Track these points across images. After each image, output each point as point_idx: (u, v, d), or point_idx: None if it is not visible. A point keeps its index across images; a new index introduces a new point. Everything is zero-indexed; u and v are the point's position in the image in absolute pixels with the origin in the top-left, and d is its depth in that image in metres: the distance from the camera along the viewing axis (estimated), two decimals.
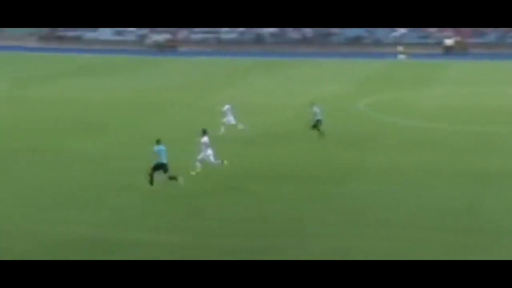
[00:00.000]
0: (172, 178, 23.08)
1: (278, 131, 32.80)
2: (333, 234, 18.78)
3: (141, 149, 29.34)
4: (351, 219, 19.97)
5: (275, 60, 69.37)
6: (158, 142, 23.43)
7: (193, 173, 24.34)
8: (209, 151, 24.45)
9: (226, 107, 31.93)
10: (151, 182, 22.91)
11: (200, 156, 24.48)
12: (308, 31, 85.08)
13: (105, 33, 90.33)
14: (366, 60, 69.14)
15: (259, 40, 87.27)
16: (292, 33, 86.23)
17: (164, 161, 23.08)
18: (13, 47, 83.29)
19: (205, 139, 24.46)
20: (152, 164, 22.97)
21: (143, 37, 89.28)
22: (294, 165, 26.48)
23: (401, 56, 70.98)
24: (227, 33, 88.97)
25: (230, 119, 31.29)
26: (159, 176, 22.99)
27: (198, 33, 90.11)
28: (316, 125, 30.66)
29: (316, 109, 30.89)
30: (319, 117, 30.71)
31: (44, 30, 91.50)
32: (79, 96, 44.43)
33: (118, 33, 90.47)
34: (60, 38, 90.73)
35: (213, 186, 23.55)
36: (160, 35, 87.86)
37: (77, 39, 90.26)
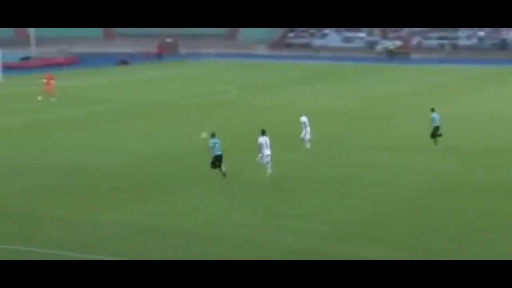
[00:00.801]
0: (219, 168, 24.88)
1: None
2: None
3: (367, 159, 29.13)
4: None
5: None
6: (213, 135, 25.37)
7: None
8: (267, 152, 25.34)
9: (303, 119, 30.18)
10: (224, 175, 24.76)
11: (258, 157, 25.42)
12: None
13: (334, 40, 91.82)
14: None
15: (503, 46, 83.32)
16: None
17: (219, 152, 24.95)
18: (244, 54, 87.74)
19: (261, 139, 25.42)
20: (211, 159, 24.80)
21: (372, 43, 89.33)
22: None
23: None
24: (464, 39, 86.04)
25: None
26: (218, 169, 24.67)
27: (431, 39, 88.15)
28: (434, 133, 30.31)
29: (435, 115, 30.50)
30: (436, 124, 30.32)
31: (274, 38, 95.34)
32: (306, 104, 45.45)
33: (347, 40, 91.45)
34: (289, 46, 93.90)
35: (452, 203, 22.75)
36: (391, 42, 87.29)
37: (306, 46, 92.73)
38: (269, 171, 25.49)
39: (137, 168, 27.29)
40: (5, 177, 26.03)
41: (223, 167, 25.02)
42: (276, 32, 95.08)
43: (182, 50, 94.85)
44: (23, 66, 71.39)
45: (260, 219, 20.86)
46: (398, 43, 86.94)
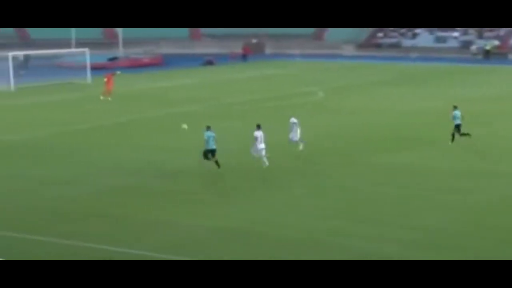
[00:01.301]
0: (217, 163, 26.57)
1: None
2: None
3: (461, 165, 28.62)
4: None
5: None
6: (208, 128, 27.22)
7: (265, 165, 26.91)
8: (262, 146, 27.41)
9: (292, 120, 30.52)
10: (218, 165, 26.57)
11: (251, 150, 27.60)
12: None
13: (425, 40, 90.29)
14: None
15: None
16: None
17: (213, 147, 26.64)
18: (331, 55, 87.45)
19: (256, 133, 27.43)
20: (203, 150, 26.57)
21: (467, 43, 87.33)
22: None
23: None
24: None
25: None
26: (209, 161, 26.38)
27: None
28: (457, 131, 31.31)
29: (456, 113, 31.46)
30: (458, 122, 31.26)
31: (362, 38, 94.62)
32: (393, 106, 44.99)
33: (440, 40, 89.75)
34: (378, 46, 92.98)
35: None
36: (487, 42, 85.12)
37: (395, 46, 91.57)
38: (266, 163, 27.22)
39: (224, 169, 27.63)
40: (93, 177, 26.93)
41: (216, 158, 26.77)
42: (364, 32, 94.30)
43: (268, 51, 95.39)
44: (110, 66, 73.59)
45: (343, 223, 20.87)
46: (496, 42, 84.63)
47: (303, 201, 23.40)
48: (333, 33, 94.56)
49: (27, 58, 69.15)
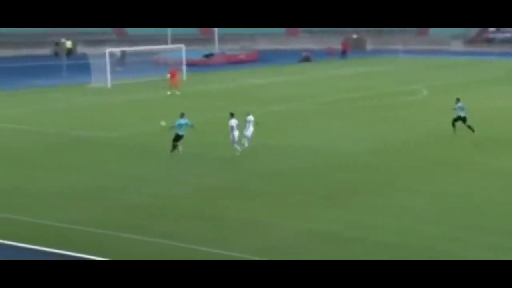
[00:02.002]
0: (175, 147, 29.97)
1: None
2: None
3: None
4: None
5: None
6: (182, 115, 30.29)
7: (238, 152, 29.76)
8: (236, 133, 30.32)
9: (249, 118, 31.64)
10: (173, 149, 29.94)
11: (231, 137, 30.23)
12: None
13: None
14: None
15: None
16: None
17: (181, 133, 29.89)
18: (436, 51, 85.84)
19: (232, 121, 30.24)
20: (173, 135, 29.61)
21: None
22: None
23: None
24: None
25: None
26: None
27: None
28: (455, 121, 33.86)
29: (459, 105, 34.07)
30: (460, 114, 33.75)
31: (471, 33, 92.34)
32: (505, 106, 43.78)
33: None
34: (490, 41, 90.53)
35: None
36: None
37: (509, 41, 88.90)
38: (244, 146, 30.49)
39: (324, 170, 27.75)
40: (190, 176, 27.47)
41: (180, 146, 29.97)
42: None
43: (369, 47, 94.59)
44: (206, 63, 74.78)
45: (447, 229, 20.51)
46: None
47: (405, 204, 23.11)
48: (439, 28, 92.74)
49: (123, 54, 71.20)
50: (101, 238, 19.94)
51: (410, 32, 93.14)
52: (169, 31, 77.89)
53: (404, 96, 49.04)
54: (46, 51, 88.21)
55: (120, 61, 69.63)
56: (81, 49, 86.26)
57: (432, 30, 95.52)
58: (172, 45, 72.09)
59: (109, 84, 56.52)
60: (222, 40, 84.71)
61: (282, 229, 20.62)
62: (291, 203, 23.32)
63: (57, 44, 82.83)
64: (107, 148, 32.93)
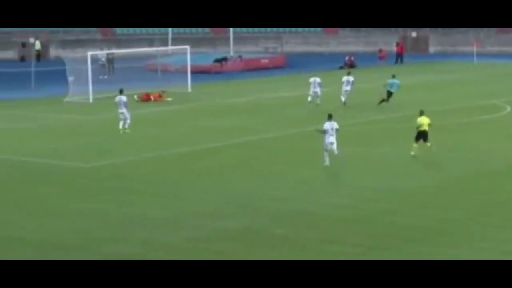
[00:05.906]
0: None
1: None
2: None
3: None
4: None
5: None
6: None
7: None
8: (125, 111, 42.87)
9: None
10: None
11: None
12: None
13: None
14: None
15: None
16: None
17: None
18: None
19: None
20: None
21: None
22: None
23: None
24: None
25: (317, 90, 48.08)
26: None
27: None
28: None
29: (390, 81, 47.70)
30: (389, 89, 47.25)
31: None
32: None
33: None
34: None
35: None
36: None
37: None
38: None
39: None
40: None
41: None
42: None
43: (432, 48, 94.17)
44: (218, 70, 74.81)
45: None
46: None
47: None
48: None
49: (110, 59, 71.10)
50: None
51: (487, 29, 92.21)
52: (170, 29, 77.55)
53: (481, 114, 48.57)
54: (10, 54, 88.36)
55: (106, 68, 69.53)
56: (54, 52, 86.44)
57: None
58: (173, 46, 71.77)
59: (90, 98, 56.19)
60: (238, 40, 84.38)
61: None
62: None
63: (24, 45, 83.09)
64: (83, 181, 32.78)
